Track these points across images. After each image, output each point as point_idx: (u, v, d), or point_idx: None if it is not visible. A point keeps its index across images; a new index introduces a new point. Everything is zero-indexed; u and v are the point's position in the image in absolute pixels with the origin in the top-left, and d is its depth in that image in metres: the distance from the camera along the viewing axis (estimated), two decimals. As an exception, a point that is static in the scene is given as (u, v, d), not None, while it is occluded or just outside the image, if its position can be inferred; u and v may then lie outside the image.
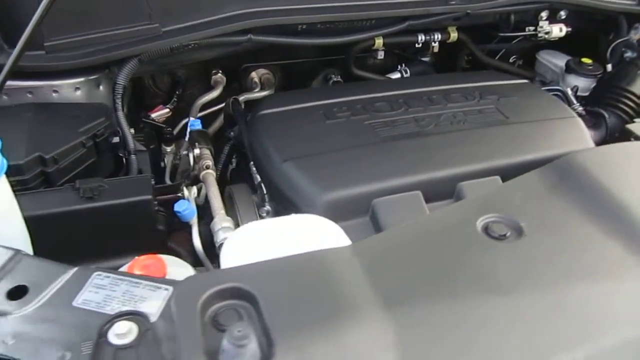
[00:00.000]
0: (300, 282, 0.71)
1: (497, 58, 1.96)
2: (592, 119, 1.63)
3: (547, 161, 1.26)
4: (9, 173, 1.11)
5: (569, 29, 1.81)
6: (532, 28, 1.77)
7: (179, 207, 1.12)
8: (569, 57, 1.87)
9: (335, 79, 1.87)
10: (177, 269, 0.92)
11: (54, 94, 1.32)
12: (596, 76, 1.79)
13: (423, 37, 1.73)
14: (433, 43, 1.76)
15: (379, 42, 1.68)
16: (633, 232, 0.83)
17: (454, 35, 1.77)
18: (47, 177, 1.14)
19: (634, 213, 0.85)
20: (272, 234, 0.89)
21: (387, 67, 1.90)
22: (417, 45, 1.75)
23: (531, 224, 0.84)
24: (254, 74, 1.87)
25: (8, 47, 1.28)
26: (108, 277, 0.73)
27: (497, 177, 1.25)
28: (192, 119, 1.43)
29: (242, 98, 1.74)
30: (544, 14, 1.75)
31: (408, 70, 1.86)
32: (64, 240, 1.08)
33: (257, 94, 1.80)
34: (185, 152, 1.24)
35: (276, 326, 0.64)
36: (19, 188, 1.11)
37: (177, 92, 1.74)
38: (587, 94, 1.78)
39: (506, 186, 0.95)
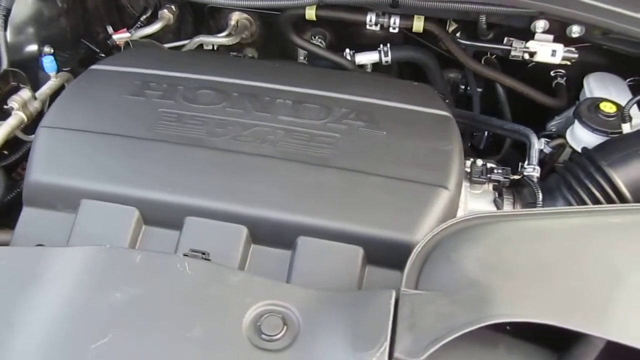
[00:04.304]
0: None
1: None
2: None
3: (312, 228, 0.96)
4: None
5: (575, 55, 1.18)
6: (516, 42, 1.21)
7: None
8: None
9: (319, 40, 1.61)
10: None
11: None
12: (608, 134, 1.18)
13: (373, 18, 1.35)
14: (392, 29, 1.36)
15: (310, 12, 1.37)
16: None
17: (418, 24, 1.33)
18: None
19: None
20: None
21: (391, 42, 1.54)
22: (369, 27, 1.37)
23: None
24: (234, 16, 1.71)
25: None
26: None
27: (243, 228, 0.99)
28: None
29: (197, 39, 1.64)
30: (539, 25, 1.16)
31: (389, 52, 1.49)
32: None
33: (218, 39, 1.66)
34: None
35: None
36: None
37: (140, 18, 1.70)
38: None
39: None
